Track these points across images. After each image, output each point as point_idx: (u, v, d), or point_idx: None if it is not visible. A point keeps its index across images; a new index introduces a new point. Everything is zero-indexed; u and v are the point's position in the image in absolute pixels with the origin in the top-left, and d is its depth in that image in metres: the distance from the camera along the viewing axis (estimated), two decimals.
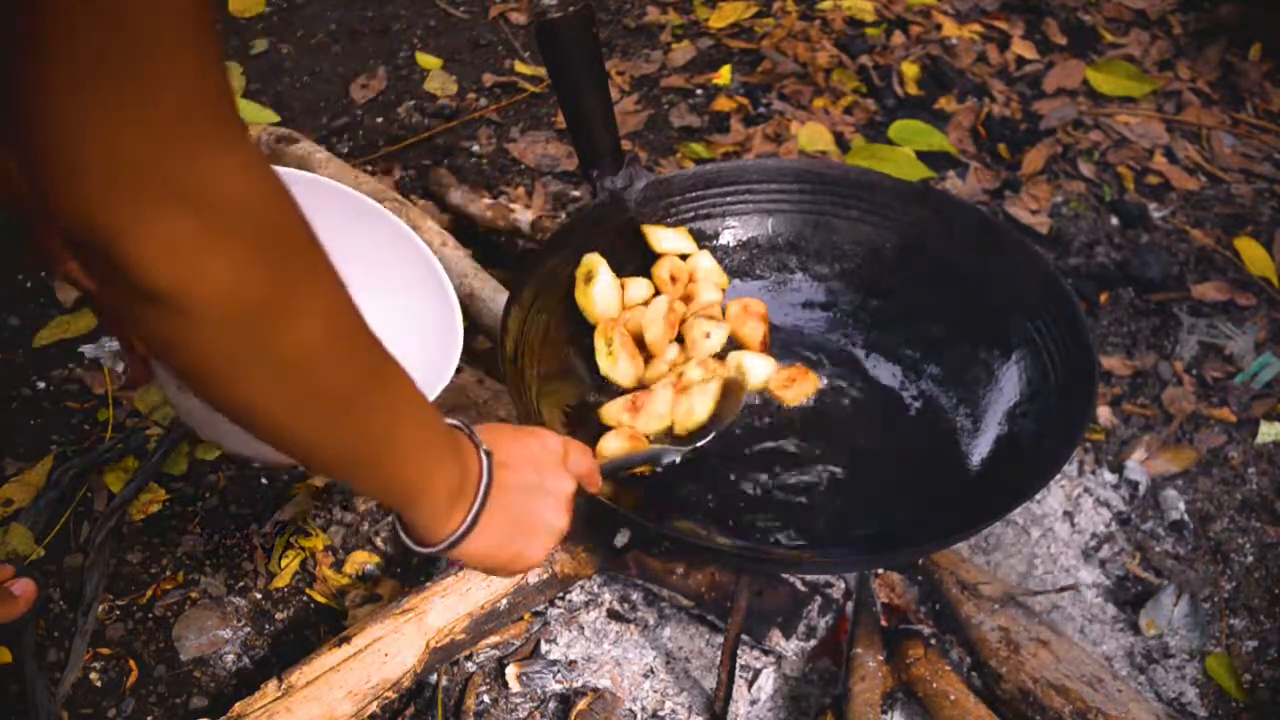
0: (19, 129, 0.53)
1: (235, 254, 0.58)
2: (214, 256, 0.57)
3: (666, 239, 1.38)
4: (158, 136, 0.54)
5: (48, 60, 0.50)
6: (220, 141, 0.56)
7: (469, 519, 0.83)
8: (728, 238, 1.46)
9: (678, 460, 1.22)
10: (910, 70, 2.33)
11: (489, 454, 0.85)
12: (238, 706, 1.10)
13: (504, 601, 1.22)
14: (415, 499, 0.81)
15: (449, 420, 0.85)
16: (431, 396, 1.15)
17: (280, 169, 1.32)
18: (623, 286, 1.35)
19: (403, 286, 1.29)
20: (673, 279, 1.37)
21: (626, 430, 1.25)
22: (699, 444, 1.24)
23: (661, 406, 1.26)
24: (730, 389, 1.28)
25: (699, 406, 1.26)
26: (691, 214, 1.44)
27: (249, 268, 0.59)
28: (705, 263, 1.40)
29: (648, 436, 1.26)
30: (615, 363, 1.29)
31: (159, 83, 0.53)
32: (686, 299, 1.39)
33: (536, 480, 0.91)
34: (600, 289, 1.31)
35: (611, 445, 1.23)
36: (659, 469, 1.23)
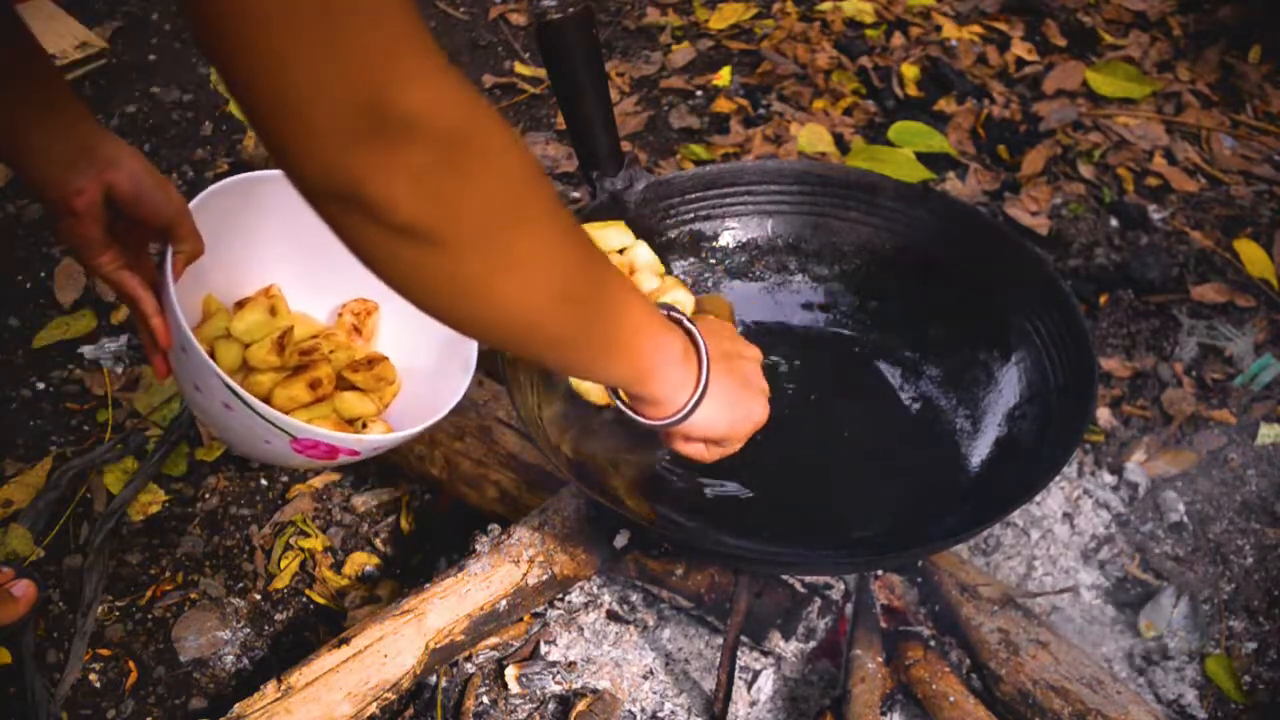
0: (248, 98, 0.56)
1: (471, 176, 0.61)
2: (452, 182, 0.60)
3: (608, 236, 1.35)
4: (374, 78, 0.56)
5: (261, 23, 0.53)
6: (429, 73, 0.58)
7: (702, 383, 0.91)
8: (727, 239, 1.46)
9: None
10: (910, 72, 2.33)
11: (695, 324, 0.93)
12: (237, 708, 1.09)
13: (503, 602, 1.22)
14: (652, 374, 0.88)
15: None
16: (452, 404, 1.19)
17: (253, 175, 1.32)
18: None
19: None
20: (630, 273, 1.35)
21: None
22: None
23: None
24: (710, 309, 1.33)
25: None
26: (691, 215, 1.44)
27: (485, 186, 0.62)
28: (643, 254, 1.36)
29: None
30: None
31: (365, 26, 0.55)
32: None
33: (735, 349, 1.01)
34: None
35: None
36: None
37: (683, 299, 1.30)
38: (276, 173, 1.29)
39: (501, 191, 0.64)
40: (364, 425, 1.26)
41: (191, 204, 1.11)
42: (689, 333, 0.94)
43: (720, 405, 0.96)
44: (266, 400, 1.17)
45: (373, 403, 1.28)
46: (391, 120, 0.56)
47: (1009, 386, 1.30)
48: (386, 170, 0.58)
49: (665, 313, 0.94)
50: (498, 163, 0.64)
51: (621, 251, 1.38)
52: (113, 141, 1.01)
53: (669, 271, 1.43)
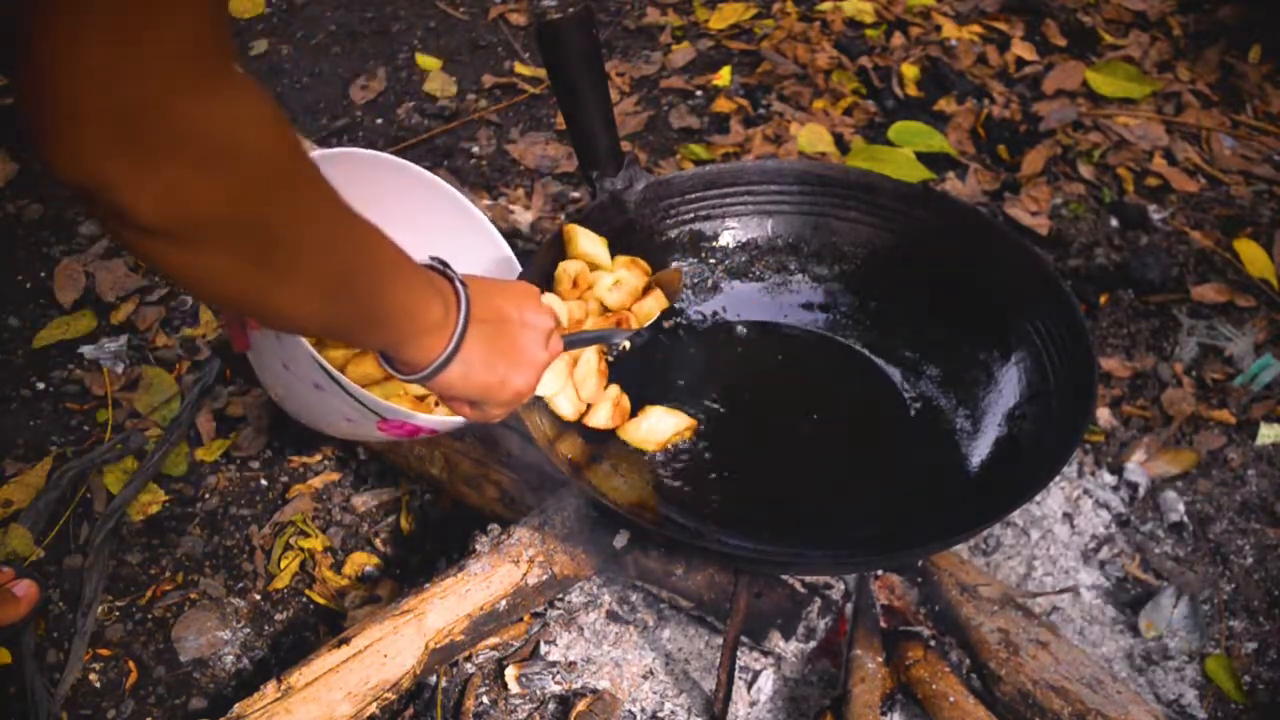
0: (22, 81, 0.54)
1: (229, 191, 0.61)
2: (208, 195, 0.60)
3: (589, 243, 1.33)
4: (154, 85, 0.55)
5: (45, 10, 0.52)
6: (215, 88, 0.58)
7: (451, 344, 0.90)
8: (727, 239, 1.46)
9: (627, 345, 1.32)
10: (910, 71, 2.33)
11: (465, 285, 0.92)
12: (237, 708, 1.09)
13: (503, 603, 1.22)
14: (404, 341, 0.88)
15: (426, 261, 0.92)
16: None
17: (349, 150, 1.34)
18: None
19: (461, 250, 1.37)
20: (575, 283, 1.32)
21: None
22: (646, 327, 1.34)
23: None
24: (664, 282, 1.35)
25: (650, 305, 1.32)
26: (691, 215, 1.44)
27: (242, 201, 0.62)
28: (605, 281, 1.34)
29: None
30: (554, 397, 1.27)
31: (156, 30, 0.54)
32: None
33: (516, 315, 0.99)
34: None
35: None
36: (611, 351, 1.33)
37: (625, 277, 1.32)
38: (350, 151, 1.31)
39: (259, 205, 0.64)
40: (436, 403, 1.29)
41: None
42: (456, 294, 0.92)
43: (473, 369, 0.94)
44: None
45: None
46: (154, 130, 0.56)
47: (1009, 386, 1.30)
48: (137, 180, 0.57)
49: (440, 269, 0.93)
50: (261, 176, 0.63)
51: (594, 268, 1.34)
52: None
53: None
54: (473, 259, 1.41)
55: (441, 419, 1.20)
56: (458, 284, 0.92)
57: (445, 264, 0.93)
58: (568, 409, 1.27)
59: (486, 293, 0.97)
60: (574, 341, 1.20)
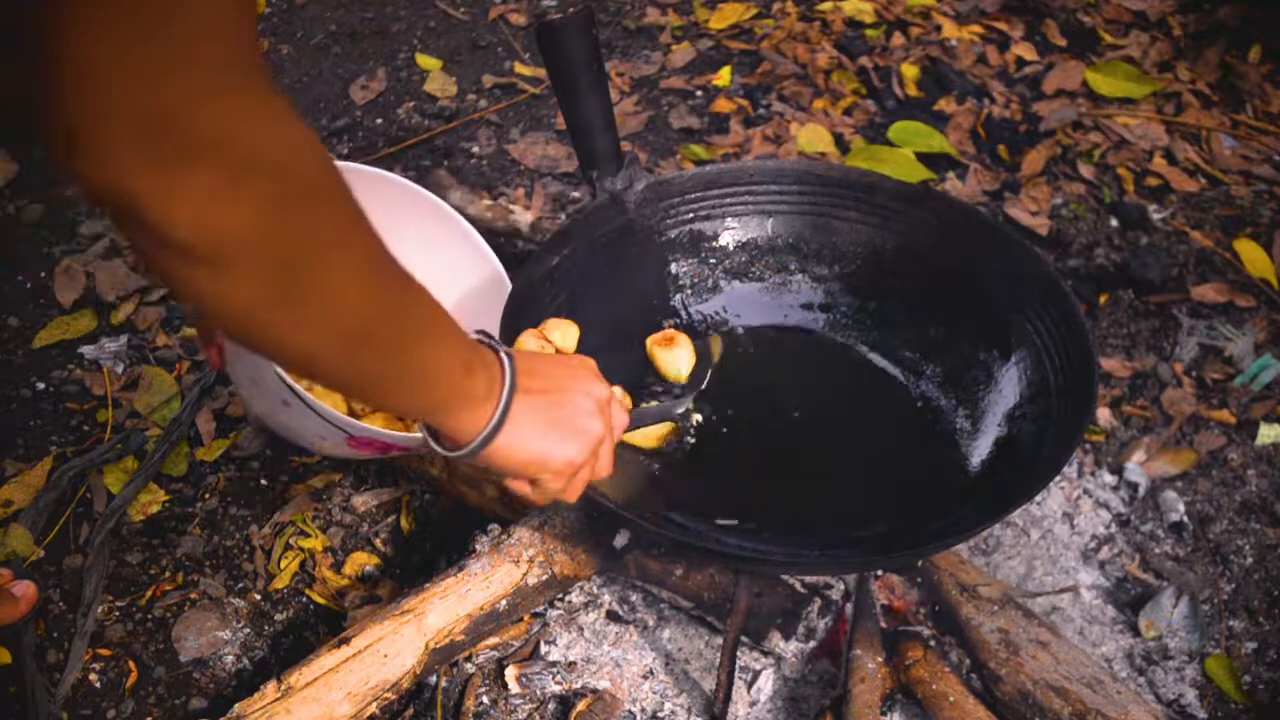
0: (44, 84, 0.52)
1: (261, 206, 0.59)
2: (239, 209, 0.58)
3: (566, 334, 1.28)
4: (188, 90, 0.53)
5: (79, 10, 0.50)
6: (248, 94, 0.57)
7: (496, 415, 0.87)
8: (727, 239, 1.46)
9: (686, 409, 1.26)
10: (910, 71, 2.33)
11: (510, 357, 0.90)
12: (237, 708, 1.10)
13: (503, 603, 1.22)
14: (443, 410, 0.85)
15: (473, 334, 0.89)
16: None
17: (343, 164, 1.35)
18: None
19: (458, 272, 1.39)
20: None
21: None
22: (700, 388, 1.29)
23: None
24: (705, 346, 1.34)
25: (683, 362, 1.32)
26: (691, 215, 1.44)
27: (275, 220, 0.60)
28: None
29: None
30: None
31: (192, 35, 0.52)
32: None
33: (569, 385, 0.95)
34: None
35: None
36: (681, 425, 1.27)
37: None
38: (347, 167, 1.31)
39: (292, 226, 0.61)
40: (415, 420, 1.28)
41: None
42: (501, 364, 0.89)
43: (521, 442, 0.90)
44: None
45: None
46: (181, 138, 0.54)
47: (1009, 386, 1.30)
48: (167, 191, 0.55)
49: (485, 342, 0.90)
50: (295, 194, 0.61)
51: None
52: None
53: (668, 270, 1.43)
54: (462, 276, 1.40)
55: (411, 436, 1.17)
56: (502, 354, 0.89)
57: (490, 336, 0.91)
58: None
59: (535, 363, 0.94)
60: (637, 420, 1.18)
